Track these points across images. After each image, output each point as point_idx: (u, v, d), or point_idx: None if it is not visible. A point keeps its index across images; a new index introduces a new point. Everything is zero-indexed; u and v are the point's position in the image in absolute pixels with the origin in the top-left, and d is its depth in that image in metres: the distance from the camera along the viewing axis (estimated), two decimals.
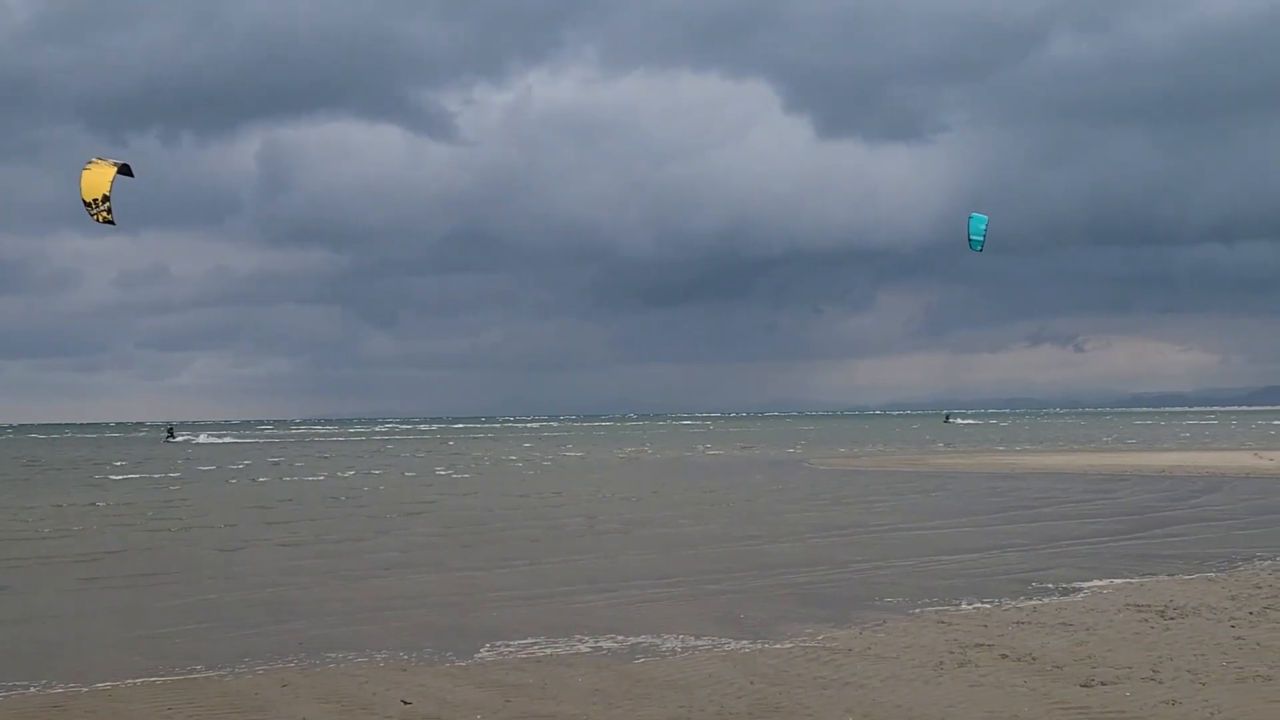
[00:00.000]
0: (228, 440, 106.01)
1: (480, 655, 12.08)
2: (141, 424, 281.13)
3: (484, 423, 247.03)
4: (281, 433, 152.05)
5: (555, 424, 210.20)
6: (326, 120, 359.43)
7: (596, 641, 12.62)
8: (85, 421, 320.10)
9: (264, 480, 44.38)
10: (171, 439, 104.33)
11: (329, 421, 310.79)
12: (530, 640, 12.75)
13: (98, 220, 15.04)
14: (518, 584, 16.85)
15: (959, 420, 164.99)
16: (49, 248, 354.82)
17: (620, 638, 12.79)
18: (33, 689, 10.85)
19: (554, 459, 62.43)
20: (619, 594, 15.80)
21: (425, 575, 17.83)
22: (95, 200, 14.97)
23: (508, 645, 12.51)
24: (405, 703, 10.07)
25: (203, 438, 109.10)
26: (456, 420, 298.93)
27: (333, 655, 12.14)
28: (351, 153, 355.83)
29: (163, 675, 11.33)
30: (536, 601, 15.28)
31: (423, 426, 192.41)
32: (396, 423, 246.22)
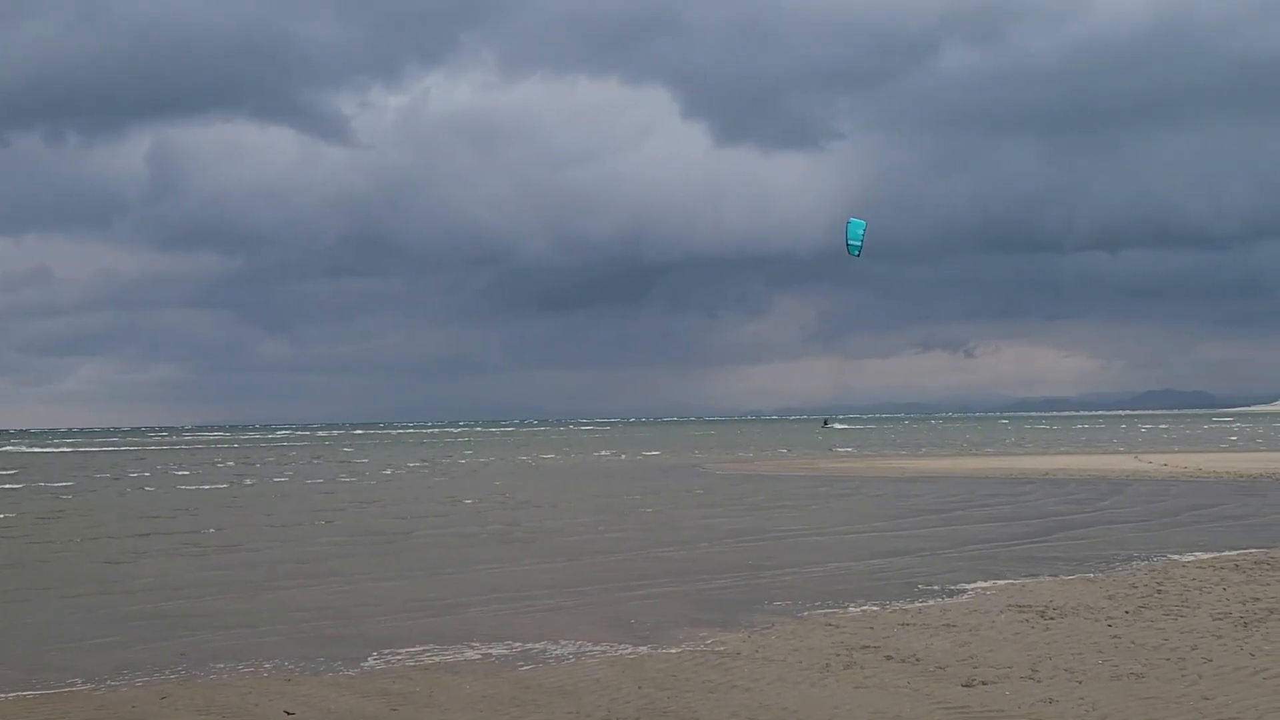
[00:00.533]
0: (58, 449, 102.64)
1: (368, 664, 11.92)
2: (26, 431, 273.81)
3: (382, 428, 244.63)
4: (166, 440, 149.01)
5: (455, 429, 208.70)
6: (219, 121, 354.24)
7: (486, 649, 12.52)
8: None
9: (153, 489, 43.46)
10: (827, 425, 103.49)
11: (221, 428, 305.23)
12: (420, 648, 12.60)
13: None
14: (414, 593, 16.65)
15: (838, 425, 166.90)
16: None
17: (511, 644, 12.71)
18: None
19: (453, 465, 61.98)
20: (513, 602, 15.70)
21: (320, 585, 17.54)
22: None
23: (396, 654, 12.36)
24: (288, 713, 9.90)
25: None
26: (352, 425, 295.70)
27: (217, 666, 11.89)
28: (244, 154, 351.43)
29: (36, 689, 11.00)
30: (430, 610, 15.11)
31: (321, 433, 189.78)
32: (292, 429, 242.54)
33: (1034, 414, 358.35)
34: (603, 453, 78.45)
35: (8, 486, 45.46)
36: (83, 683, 11.25)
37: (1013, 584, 16.47)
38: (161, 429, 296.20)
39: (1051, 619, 13.44)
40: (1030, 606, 14.32)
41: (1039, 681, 10.36)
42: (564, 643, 12.76)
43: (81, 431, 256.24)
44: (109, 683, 11.22)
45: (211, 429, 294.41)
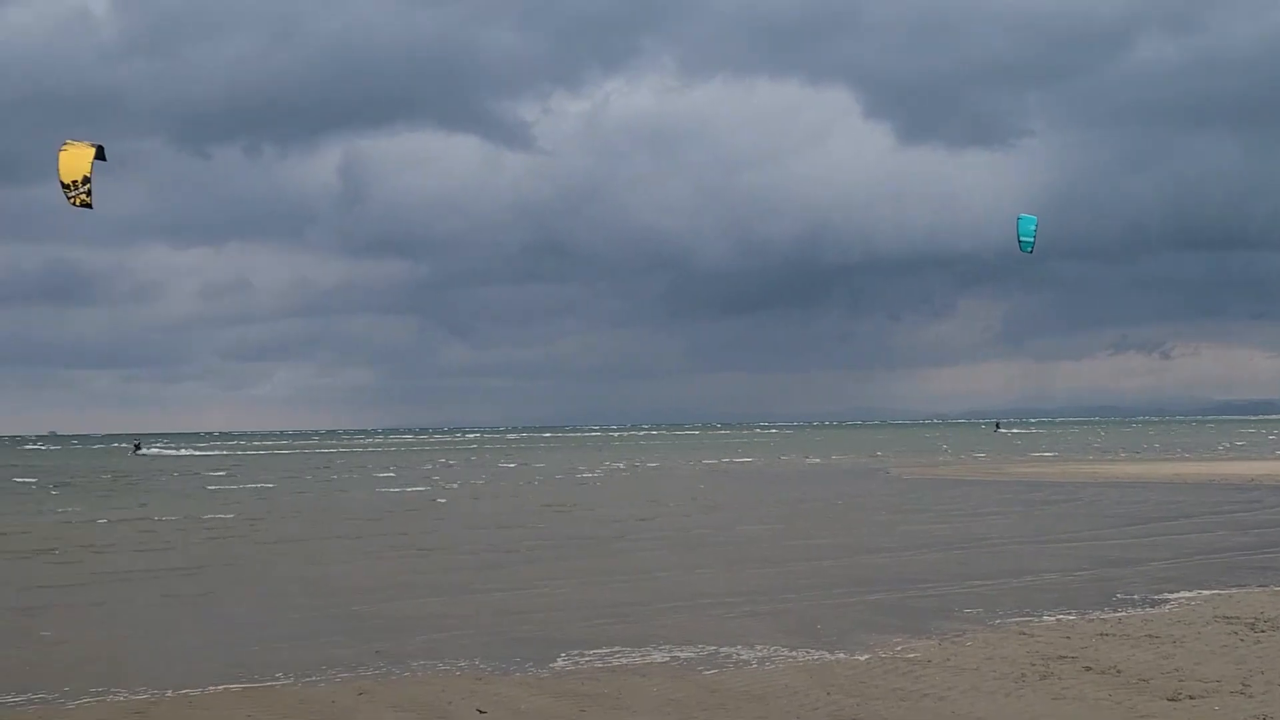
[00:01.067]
0: (185, 453, 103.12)
1: (557, 665, 12.08)
2: (228, 433, 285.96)
3: (567, 430, 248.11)
4: (359, 442, 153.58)
5: (639, 432, 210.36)
6: (405, 131, 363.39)
7: (674, 652, 12.57)
8: (171, 431, 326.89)
9: (354, 492, 44.85)
10: (139, 451, 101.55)
11: (409, 430, 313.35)
12: (608, 650, 12.73)
13: (75, 203, 14.33)
14: (604, 596, 16.83)
15: (1006, 430, 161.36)
16: (133, 260, 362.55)
17: (698, 648, 12.73)
18: (119, 695, 11.03)
19: (641, 468, 62.44)
20: (701, 606, 15.73)
21: (514, 587, 17.85)
22: (74, 182, 14.28)
23: (585, 656, 12.50)
24: (480, 711, 10.10)
25: (176, 450, 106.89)
26: (535, 428, 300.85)
27: (412, 664, 12.22)
28: (429, 163, 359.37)
29: (242, 682, 11.47)
30: (619, 613, 15.25)
31: (511, 435, 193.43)
32: (480, 431, 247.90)
33: (1237, 417, 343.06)
34: (787, 456, 78.08)
35: (223, 488, 47.48)
36: (284, 677, 11.68)
37: (1219, 594, 15.80)
38: (354, 431, 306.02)
39: (1263, 631, 12.85)
40: (1239, 618, 13.72)
41: (1250, 697, 9.91)
42: (751, 647, 12.73)
43: (281, 434, 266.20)
44: (309, 678, 11.63)
45: (400, 431, 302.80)
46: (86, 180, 14.28)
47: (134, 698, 10.92)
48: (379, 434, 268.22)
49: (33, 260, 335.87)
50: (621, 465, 65.57)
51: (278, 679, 11.60)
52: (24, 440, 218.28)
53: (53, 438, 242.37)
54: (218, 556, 22.27)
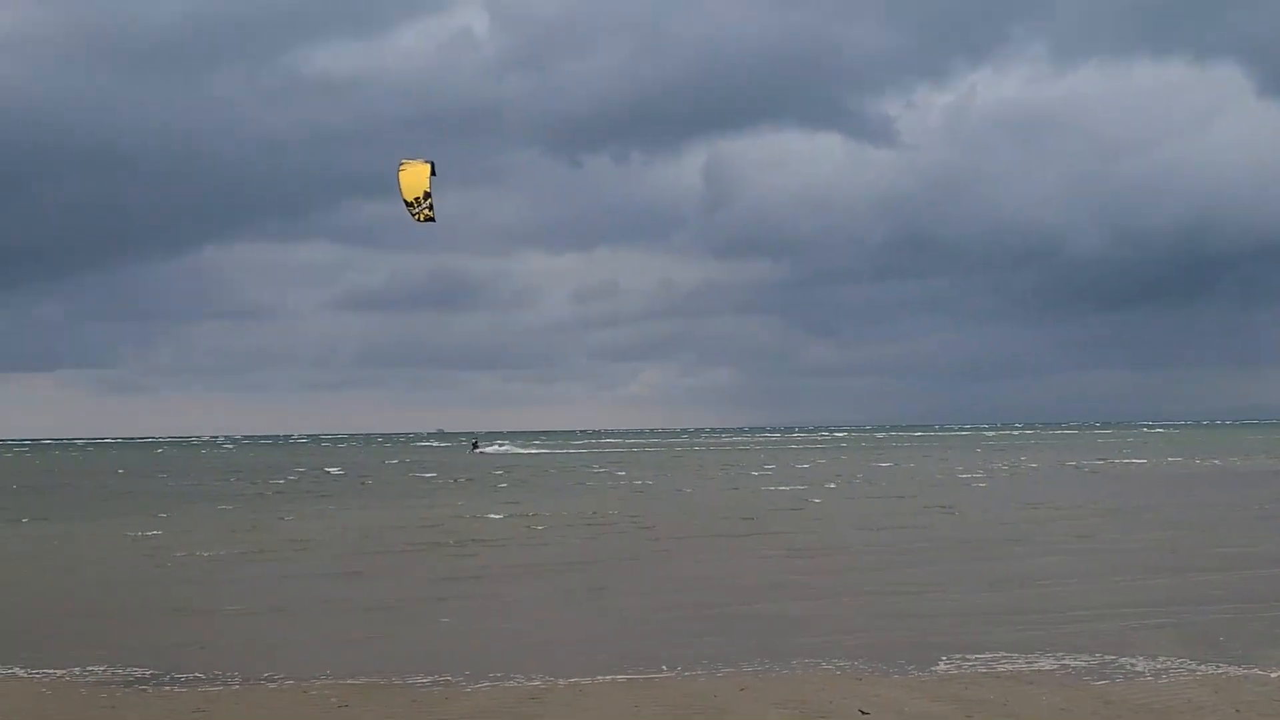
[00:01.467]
0: (525, 451, 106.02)
1: (940, 668, 11.91)
2: (599, 431, 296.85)
3: (937, 430, 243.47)
4: (722, 441, 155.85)
5: (1013, 431, 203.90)
6: (769, 132, 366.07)
7: (1064, 660, 12.13)
8: (545, 429, 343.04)
9: (726, 491, 45.63)
10: (477, 449, 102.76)
11: (775, 429, 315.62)
12: (993, 655, 12.43)
13: (419, 219, 14.79)
14: (990, 601, 16.46)
15: None
16: (513, 267, 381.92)
17: (1089, 657, 12.24)
18: (515, 681, 11.68)
19: (1017, 468, 60.57)
20: (1089, 612, 15.12)
21: (897, 589, 17.72)
22: (416, 199, 14.67)
23: (968, 660, 12.26)
24: (863, 712, 10.08)
25: (501, 446, 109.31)
26: (901, 427, 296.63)
27: (792, 662, 12.33)
28: (791, 163, 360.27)
29: (627, 674, 11.90)
30: (1005, 618, 14.86)
31: (879, 434, 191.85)
32: (847, 430, 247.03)
33: None
34: (1176, 458, 73.71)
35: (599, 484, 49.41)
36: (667, 670, 12.04)
37: None
38: (719, 430, 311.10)
39: None
40: None
41: None
42: (1147, 658, 12.12)
43: (650, 432, 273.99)
44: (691, 672, 11.94)
45: (765, 430, 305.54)
46: (428, 195, 14.74)
47: (528, 684, 11.53)
48: (745, 432, 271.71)
49: (420, 269, 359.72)
50: (1004, 466, 63.72)
51: (661, 672, 11.97)
52: (418, 437, 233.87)
53: (440, 435, 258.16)
54: (601, 552, 23.16)
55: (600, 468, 66.94)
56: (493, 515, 32.08)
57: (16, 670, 12.58)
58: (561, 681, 11.59)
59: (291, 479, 57.07)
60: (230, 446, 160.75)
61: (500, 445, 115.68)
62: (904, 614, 15.27)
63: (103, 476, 64.27)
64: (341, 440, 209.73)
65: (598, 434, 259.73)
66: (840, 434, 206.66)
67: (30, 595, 18.19)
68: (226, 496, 42.85)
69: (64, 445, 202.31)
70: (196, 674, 12.26)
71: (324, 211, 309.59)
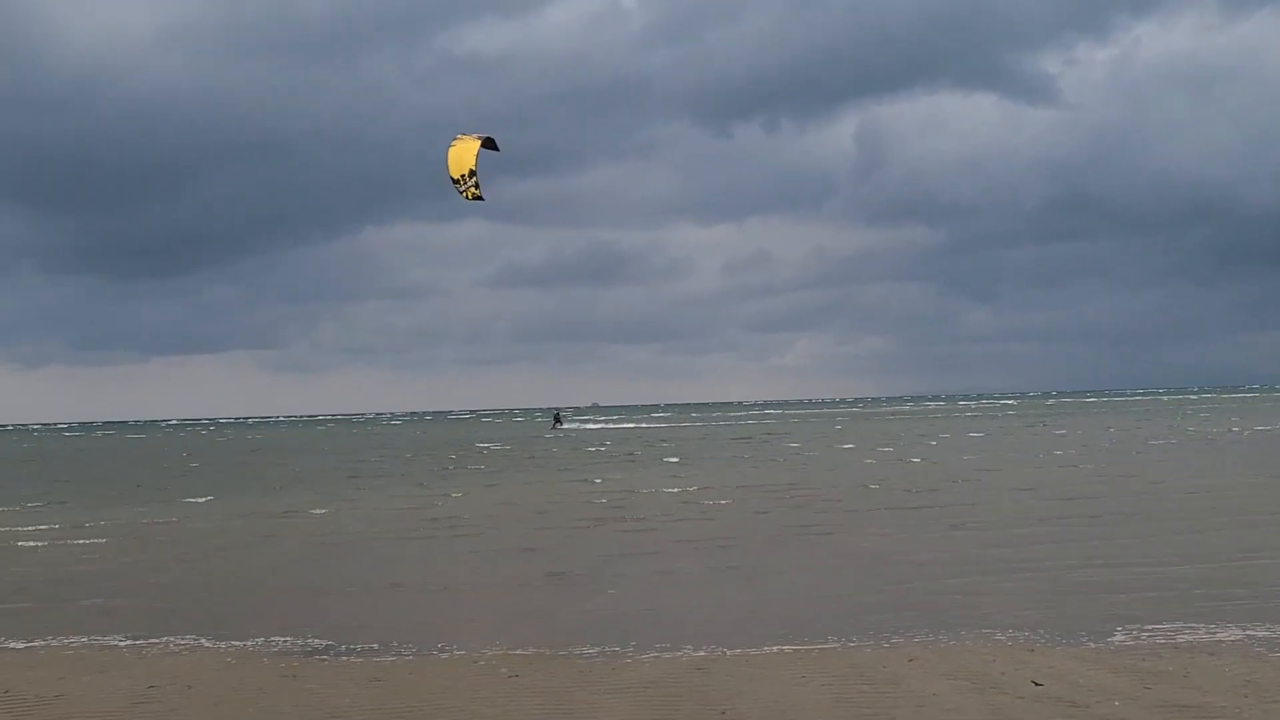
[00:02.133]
0: (608, 425, 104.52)
1: (1115, 639, 11.73)
2: (753, 404, 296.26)
3: (1108, 396, 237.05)
4: (884, 410, 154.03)
5: (1190, 396, 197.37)
6: (923, 95, 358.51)
7: (1248, 629, 11.85)
8: (696, 401, 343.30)
9: (921, 461, 45.27)
10: (558, 425, 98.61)
11: (937, 397, 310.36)
12: (1171, 626, 12.20)
13: (466, 197, 14.58)
14: (1163, 572, 16.12)
15: None
16: (665, 239, 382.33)
17: (1273, 627, 11.92)
18: (680, 652, 11.88)
19: (1205, 433, 58.75)
20: (1268, 584, 14.70)
21: (1064, 560, 17.47)
22: (462, 176, 14.47)
23: (1146, 630, 12.05)
24: (1036, 684, 10.00)
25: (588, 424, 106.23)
26: (1068, 393, 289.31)
27: (960, 633, 12.29)
28: (946, 125, 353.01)
29: (794, 644, 12.00)
30: (1184, 589, 14.55)
31: (1049, 401, 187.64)
32: (1015, 397, 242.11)
33: None
34: None
35: (798, 455, 49.47)
36: (834, 641, 12.10)
37: None
38: (878, 399, 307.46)
39: None
40: None
41: None
42: None
43: (809, 403, 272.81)
44: (859, 643, 11.98)
45: (925, 399, 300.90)
46: (473, 174, 14.51)
47: (695, 654, 11.72)
48: (907, 401, 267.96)
49: (575, 244, 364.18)
50: (1191, 429, 61.88)
51: (827, 642, 12.04)
52: (576, 411, 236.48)
53: (595, 409, 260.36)
54: (767, 525, 23.25)
55: (764, 438, 66.90)
56: (662, 489, 32.38)
57: (203, 640, 13.23)
58: (728, 652, 11.74)
59: (458, 455, 58.31)
60: (398, 423, 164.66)
61: (593, 421, 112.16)
62: (1081, 586, 15.04)
63: (273, 453, 66.54)
64: (500, 415, 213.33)
65: (751, 406, 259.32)
66: (1008, 401, 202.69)
67: (211, 571, 19.03)
68: (393, 474, 44.05)
69: (237, 424, 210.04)
70: (371, 644, 12.73)
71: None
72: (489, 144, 14.85)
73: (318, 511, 28.18)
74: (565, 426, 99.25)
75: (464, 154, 14.58)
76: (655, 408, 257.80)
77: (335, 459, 58.31)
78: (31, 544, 23.06)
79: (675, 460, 46.81)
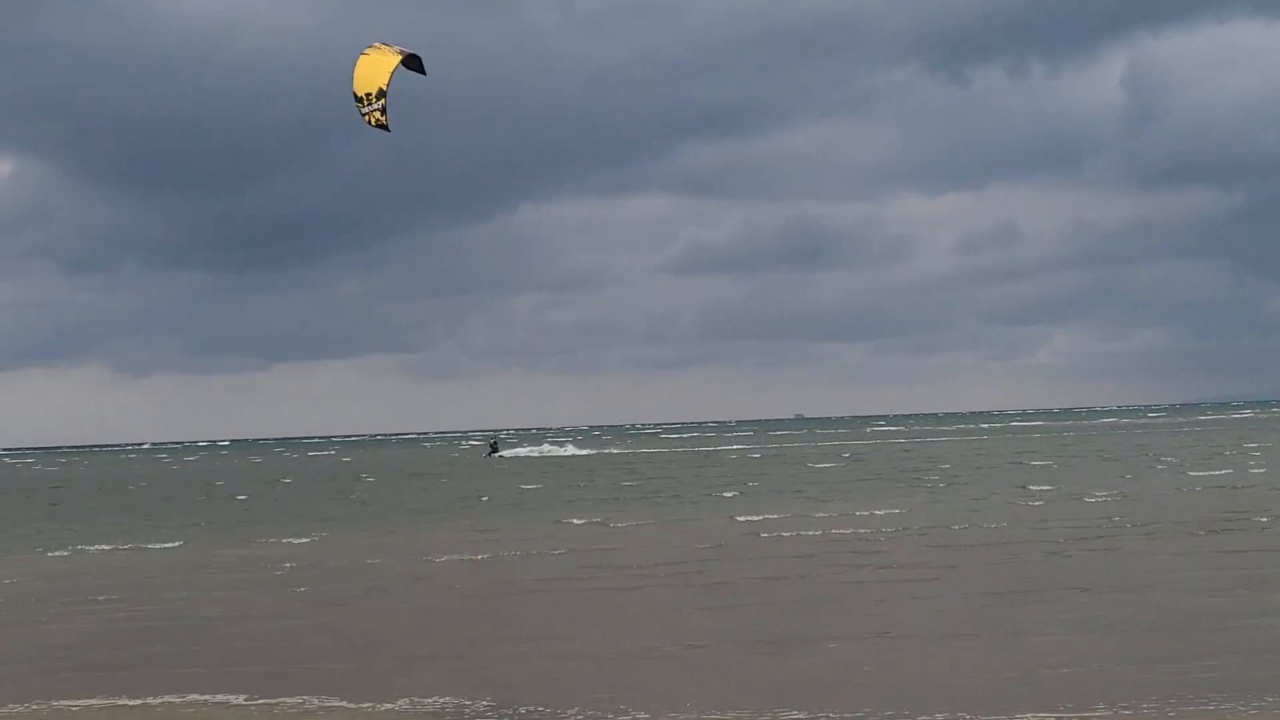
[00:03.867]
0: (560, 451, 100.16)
1: None
2: (988, 412, 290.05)
3: None
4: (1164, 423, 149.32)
5: None
6: (1211, 24, 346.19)
7: None
8: (926, 411, 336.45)
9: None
10: (494, 454, 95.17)
11: (1244, 405, 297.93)
12: None
13: (369, 122, 14.08)
14: None
15: None
16: (884, 213, 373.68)
17: None
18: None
19: None
20: None
21: None
22: (368, 95, 13.99)
23: None
24: None
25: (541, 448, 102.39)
26: None
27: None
28: (1242, 62, 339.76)
29: (1057, 711, 11.65)
30: None
31: None
32: None
33: None
34: None
35: (1062, 481, 48.49)
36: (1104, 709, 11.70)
37: None
38: (1155, 407, 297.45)
39: None
40: None
41: None
42: None
43: (1068, 412, 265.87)
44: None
45: (1220, 404, 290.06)
46: (383, 95, 14.04)
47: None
48: (1204, 407, 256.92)
49: (773, 220, 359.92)
50: None
51: (1096, 710, 11.66)
52: (777, 424, 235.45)
53: (799, 421, 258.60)
54: (1017, 570, 22.71)
55: (1016, 458, 65.58)
56: (882, 512, 31.98)
57: (336, 700, 13.44)
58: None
59: (642, 478, 58.21)
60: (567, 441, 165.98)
61: (548, 446, 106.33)
62: None
63: (421, 478, 67.59)
64: (688, 429, 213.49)
65: (993, 415, 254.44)
66: None
67: (351, 616, 19.40)
68: (559, 501, 44.15)
69: (373, 442, 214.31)
70: (536, 707, 12.78)
71: (657, 157, 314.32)
72: (412, 63, 14.40)
73: (471, 546, 28.43)
74: (501, 455, 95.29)
75: (376, 68, 14.14)
76: (871, 419, 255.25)
77: (490, 481, 58.77)
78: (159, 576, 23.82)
79: (937, 480, 46.14)
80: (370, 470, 78.62)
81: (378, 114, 13.98)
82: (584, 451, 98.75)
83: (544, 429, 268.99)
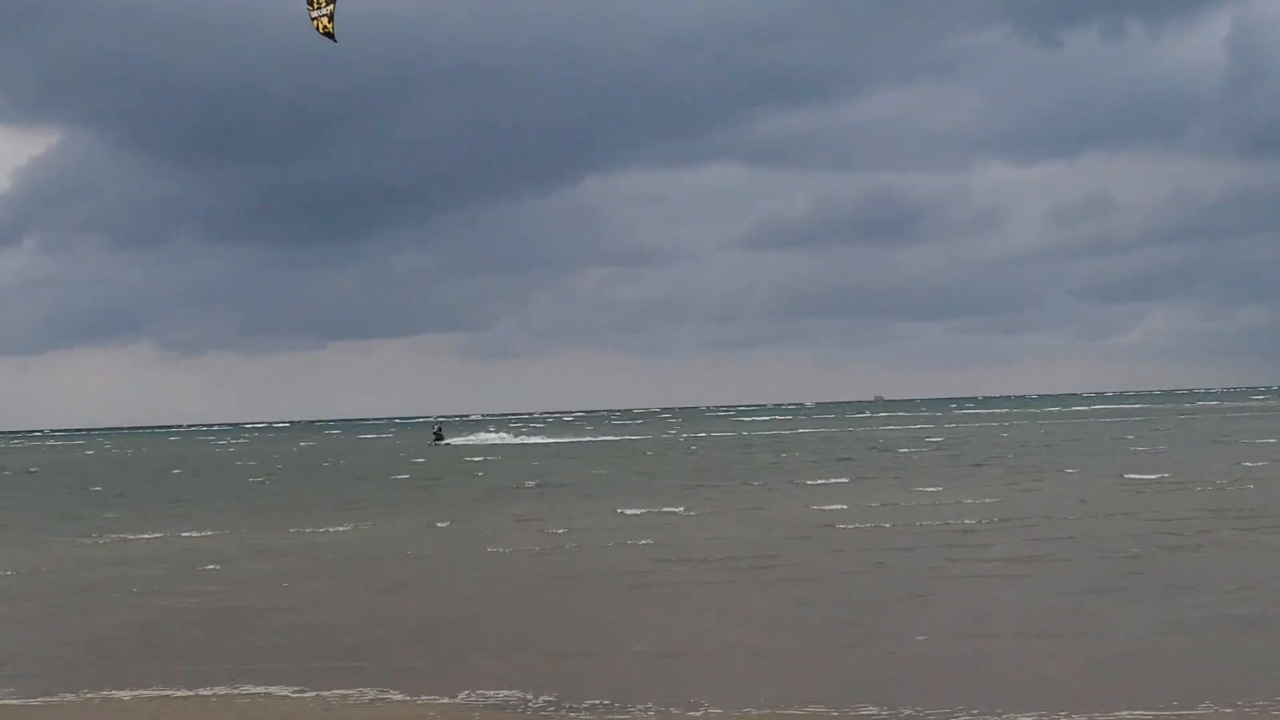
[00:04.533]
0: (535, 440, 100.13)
1: None
2: (1080, 395, 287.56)
3: None
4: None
5: None
6: None
7: None
8: (1014, 394, 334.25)
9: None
10: (439, 442, 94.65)
11: None
12: None
13: (317, 29, 13.93)
14: None
15: None
16: (970, 183, 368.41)
17: None
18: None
19: None
20: None
21: None
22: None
23: None
24: None
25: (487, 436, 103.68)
26: None
27: None
28: None
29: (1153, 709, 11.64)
30: None
31: None
32: None
33: None
34: None
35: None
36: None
37: None
38: (1262, 390, 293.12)
39: None
40: None
41: None
42: None
43: (1168, 394, 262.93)
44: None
45: None
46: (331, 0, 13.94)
47: None
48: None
49: (849, 192, 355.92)
50: None
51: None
52: (856, 406, 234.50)
53: (879, 404, 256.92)
54: (1107, 557, 22.59)
55: (1113, 444, 65.08)
56: (972, 500, 31.89)
57: (392, 693, 13.56)
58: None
59: (714, 463, 58.15)
60: (640, 423, 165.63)
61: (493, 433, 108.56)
62: None
63: (474, 463, 67.81)
64: (762, 411, 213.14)
65: (1086, 398, 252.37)
66: None
67: (406, 606, 19.58)
68: (624, 488, 44.19)
69: (422, 424, 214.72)
70: (602, 700, 12.85)
71: (729, 125, 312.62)
72: None
73: (545, 532, 28.55)
74: (449, 441, 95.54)
75: None
76: (956, 401, 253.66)
77: (560, 466, 58.94)
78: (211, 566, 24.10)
79: (1030, 467, 45.90)
80: (424, 454, 79.00)
81: (326, 20, 13.94)
82: (642, 436, 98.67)
83: (610, 410, 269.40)
